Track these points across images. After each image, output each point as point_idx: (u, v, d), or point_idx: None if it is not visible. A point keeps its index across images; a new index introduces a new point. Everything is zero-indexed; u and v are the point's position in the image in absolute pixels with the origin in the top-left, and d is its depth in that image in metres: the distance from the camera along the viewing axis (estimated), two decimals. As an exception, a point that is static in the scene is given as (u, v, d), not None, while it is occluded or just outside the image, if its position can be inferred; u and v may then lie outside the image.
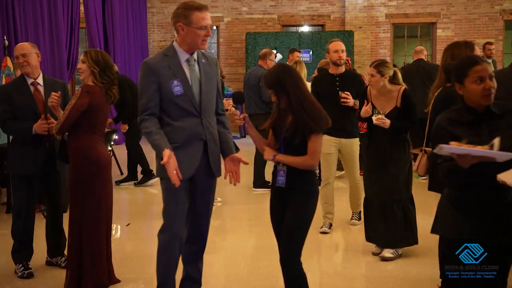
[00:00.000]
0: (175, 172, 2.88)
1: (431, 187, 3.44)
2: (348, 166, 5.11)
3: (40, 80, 4.09)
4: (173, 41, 3.12)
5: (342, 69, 5.02)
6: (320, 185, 4.52)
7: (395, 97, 4.28)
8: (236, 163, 3.19)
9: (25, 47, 4.07)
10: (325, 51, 15.27)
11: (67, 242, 3.66)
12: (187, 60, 3.08)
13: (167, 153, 2.88)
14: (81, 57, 3.72)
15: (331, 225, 5.07)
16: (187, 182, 3.09)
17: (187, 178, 3.06)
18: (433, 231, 2.62)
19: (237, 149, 6.53)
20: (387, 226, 4.29)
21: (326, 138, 4.59)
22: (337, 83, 4.94)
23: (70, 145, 3.67)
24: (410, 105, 4.29)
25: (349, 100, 4.84)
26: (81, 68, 3.69)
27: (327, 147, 4.83)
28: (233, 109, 6.28)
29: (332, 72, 5.04)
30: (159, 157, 2.95)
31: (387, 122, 4.21)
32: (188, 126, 3.07)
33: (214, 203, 6.30)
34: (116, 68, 7.27)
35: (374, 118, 4.24)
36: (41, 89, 4.07)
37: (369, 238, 4.50)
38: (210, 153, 3.15)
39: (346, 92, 4.84)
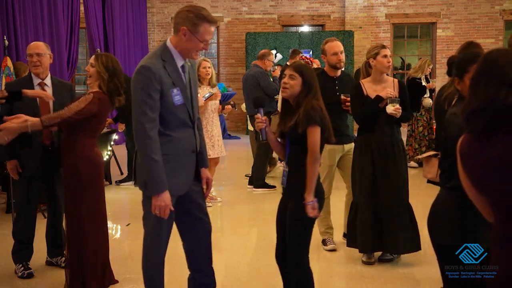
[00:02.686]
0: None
1: None
2: (348, 172, 4.55)
3: (48, 81, 4.03)
4: (166, 42, 2.97)
5: (339, 71, 4.67)
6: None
7: (391, 87, 4.18)
8: (203, 181, 3.11)
9: (40, 46, 4.03)
10: (325, 51, 14.83)
11: (66, 242, 3.65)
12: (182, 66, 2.95)
13: (169, 198, 2.91)
14: (90, 60, 3.65)
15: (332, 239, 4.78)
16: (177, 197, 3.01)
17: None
18: (441, 241, 2.48)
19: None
20: (391, 231, 4.14)
21: (332, 148, 4.37)
22: (337, 87, 4.60)
23: (68, 146, 3.64)
24: (407, 96, 4.21)
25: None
26: (89, 72, 3.62)
27: (333, 158, 4.54)
28: (230, 107, 6.30)
29: (331, 75, 4.62)
30: (156, 193, 2.94)
31: (400, 112, 4.04)
32: (184, 137, 2.94)
33: (214, 203, 6.36)
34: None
35: (391, 108, 4.01)
36: (48, 90, 4.00)
37: (352, 243, 4.32)
38: (200, 164, 3.07)
39: (346, 94, 4.49)
